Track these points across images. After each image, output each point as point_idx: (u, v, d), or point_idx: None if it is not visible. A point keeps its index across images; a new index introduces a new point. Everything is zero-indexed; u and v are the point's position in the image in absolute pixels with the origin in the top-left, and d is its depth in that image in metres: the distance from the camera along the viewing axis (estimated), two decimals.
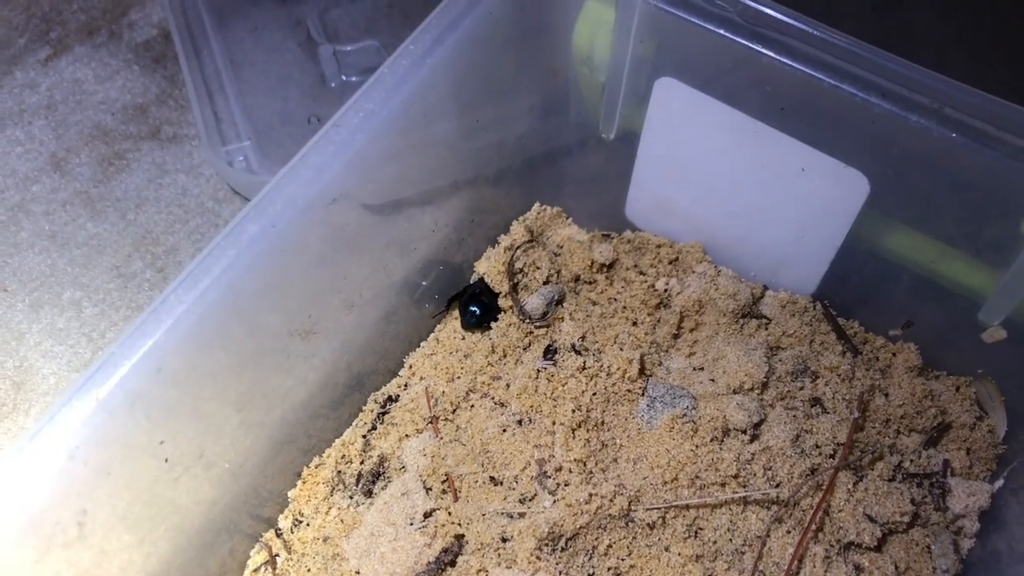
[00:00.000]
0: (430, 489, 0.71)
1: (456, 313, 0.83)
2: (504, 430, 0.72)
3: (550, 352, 0.75)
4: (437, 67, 0.68)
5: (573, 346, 0.75)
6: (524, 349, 0.78)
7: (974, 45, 0.94)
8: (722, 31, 0.67)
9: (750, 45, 0.67)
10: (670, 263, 0.83)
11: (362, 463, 0.75)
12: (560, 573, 0.64)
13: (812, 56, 0.65)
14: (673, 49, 0.72)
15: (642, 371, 0.72)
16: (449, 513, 0.69)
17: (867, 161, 0.68)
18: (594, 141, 0.83)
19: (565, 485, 0.68)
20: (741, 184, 0.76)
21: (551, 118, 0.83)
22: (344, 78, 1.02)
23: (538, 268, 0.80)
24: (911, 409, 0.72)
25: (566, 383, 0.72)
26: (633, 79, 0.75)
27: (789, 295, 0.80)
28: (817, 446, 0.69)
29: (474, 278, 0.84)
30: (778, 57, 0.66)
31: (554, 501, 0.67)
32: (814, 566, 0.64)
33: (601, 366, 0.72)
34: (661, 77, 0.73)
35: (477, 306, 0.80)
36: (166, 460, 0.61)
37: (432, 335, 0.84)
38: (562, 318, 0.77)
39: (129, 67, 1.10)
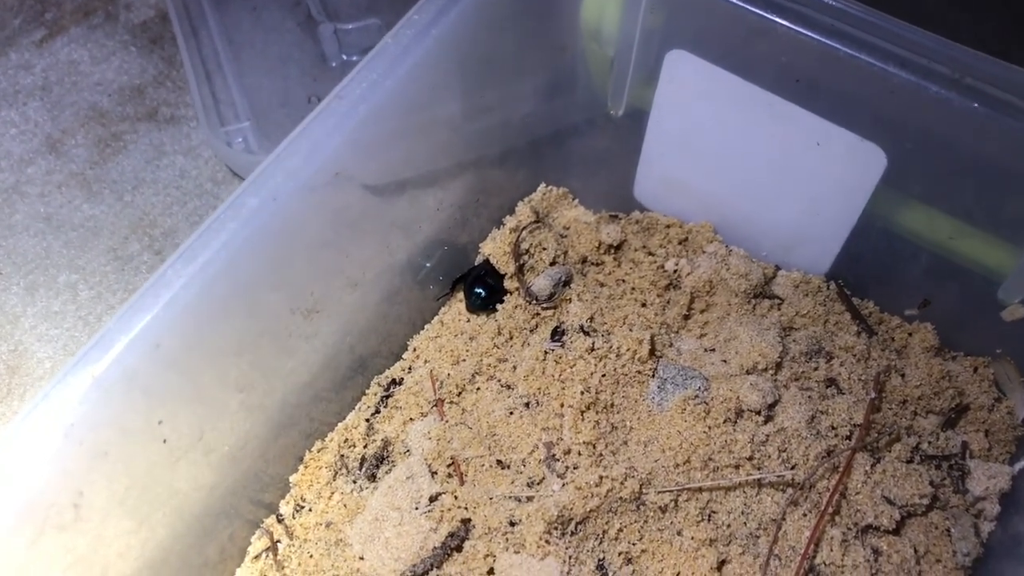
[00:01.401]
0: (435, 473, 0.69)
1: (461, 295, 0.81)
2: (511, 413, 0.70)
3: (558, 334, 0.73)
4: (441, 39, 0.66)
5: (581, 327, 0.73)
6: (531, 331, 0.76)
7: (988, 23, 0.93)
8: (735, 0, 0.66)
9: (764, 15, 0.65)
10: (680, 243, 0.81)
11: (365, 447, 0.73)
12: (570, 557, 0.62)
13: (828, 25, 0.63)
14: (684, 20, 0.70)
15: (652, 352, 0.71)
16: (455, 497, 0.67)
17: (884, 134, 0.66)
18: (602, 119, 0.82)
19: (574, 468, 0.66)
20: (754, 160, 0.74)
21: (558, 95, 0.82)
22: (345, 57, 1.00)
23: (544, 249, 0.79)
24: (928, 390, 0.71)
25: (574, 365, 0.70)
26: (643, 53, 0.74)
27: (802, 275, 0.78)
28: (833, 427, 0.67)
29: (479, 259, 0.82)
30: (793, 27, 0.64)
31: (563, 484, 0.65)
32: (831, 550, 0.63)
33: (610, 347, 0.70)
34: (672, 50, 0.72)
35: (482, 288, 0.78)
36: (164, 441, 0.59)
37: (436, 317, 0.82)
38: (569, 299, 0.76)
39: (126, 48, 1.08)
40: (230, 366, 0.63)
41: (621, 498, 0.64)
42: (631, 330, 0.72)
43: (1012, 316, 0.69)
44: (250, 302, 0.62)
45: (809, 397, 0.68)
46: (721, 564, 0.63)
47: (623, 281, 0.78)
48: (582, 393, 0.68)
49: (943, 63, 0.61)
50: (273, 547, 0.70)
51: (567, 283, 0.77)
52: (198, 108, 0.94)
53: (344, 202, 0.66)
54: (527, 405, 0.70)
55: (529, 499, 0.65)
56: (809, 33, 0.64)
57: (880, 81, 0.63)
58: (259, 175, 0.59)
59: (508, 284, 0.78)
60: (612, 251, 0.80)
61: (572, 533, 0.63)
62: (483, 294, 0.79)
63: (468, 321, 0.80)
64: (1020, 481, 0.68)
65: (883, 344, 0.74)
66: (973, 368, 0.74)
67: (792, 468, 0.65)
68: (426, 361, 0.78)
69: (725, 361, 0.71)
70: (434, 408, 0.74)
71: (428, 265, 0.79)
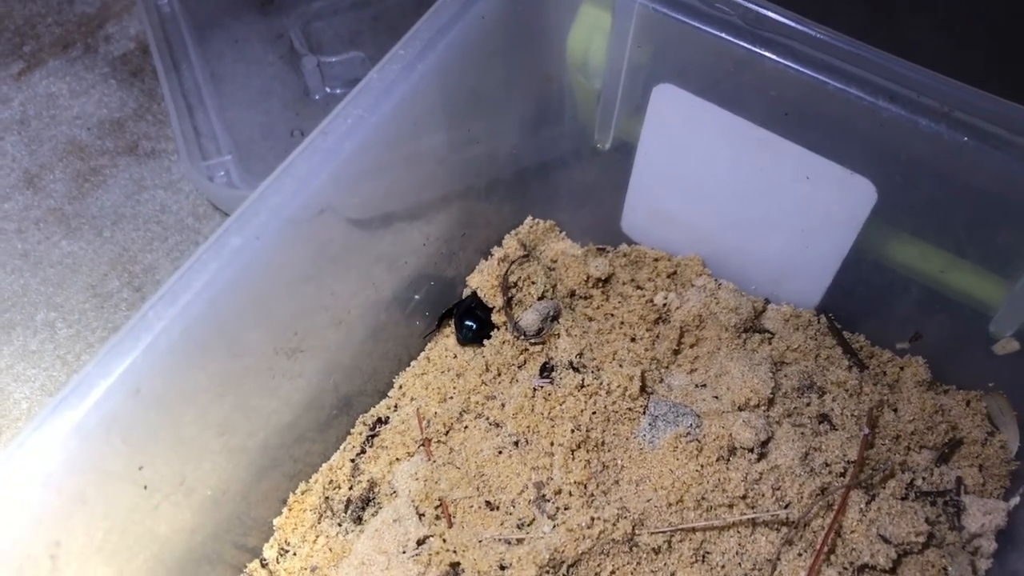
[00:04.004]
0: (423, 515, 0.68)
1: (448, 331, 0.80)
2: (500, 452, 0.69)
3: (546, 370, 0.72)
4: (427, 73, 0.65)
5: (571, 363, 0.72)
6: (519, 367, 0.75)
7: (971, 53, 0.93)
8: (723, 34, 0.65)
9: (752, 48, 0.64)
10: (668, 277, 0.80)
11: (351, 488, 0.72)
12: None
13: (817, 59, 0.63)
14: (671, 54, 0.69)
15: (643, 388, 0.70)
16: (443, 540, 0.65)
17: (874, 168, 0.66)
18: (589, 151, 0.81)
19: (565, 509, 0.65)
20: (742, 194, 0.74)
21: (544, 128, 0.81)
22: (328, 90, 0.99)
23: (533, 283, 0.78)
24: (921, 425, 0.70)
25: (564, 402, 0.69)
26: (630, 86, 0.73)
27: (792, 308, 0.78)
28: (827, 464, 0.66)
29: (466, 293, 0.81)
30: (782, 61, 0.64)
31: (554, 526, 0.64)
32: None
33: (600, 384, 0.69)
34: (659, 83, 0.71)
35: (473, 320, 0.77)
36: (145, 487, 0.58)
37: (423, 354, 0.81)
38: (558, 334, 0.75)
39: (105, 81, 1.07)
40: (212, 408, 0.61)
41: (613, 539, 0.63)
42: (621, 366, 0.71)
43: (1004, 350, 0.69)
44: (232, 343, 0.60)
45: (802, 434, 0.67)
46: None
47: (612, 315, 0.77)
48: (572, 431, 0.67)
49: (933, 97, 0.61)
50: None
51: (555, 318, 0.76)
52: (179, 142, 0.93)
53: (328, 238, 0.65)
54: (516, 444, 0.69)
55: (519, 541, 0.64)
56: (798, 67, 0.63)
57: (870, 115, 0.62)
58: (242, 213, 0.58)
59: (496, 318, 0.77)
60: (600, 285, 0.79)
61: None
62: (474, 326, 0.78)
63: (455, 357, 0.79)
64: (1016, 517, 0.67)
65: (875, 378, 0.73)
66: (966, 402, 0.73)
67: (786, 507, 0.64)
68: (412, 399, 0.77)
69: (716, 397, 0.70)
70: (421, 447, 0.72)
71: (416, 298, 0.78)
